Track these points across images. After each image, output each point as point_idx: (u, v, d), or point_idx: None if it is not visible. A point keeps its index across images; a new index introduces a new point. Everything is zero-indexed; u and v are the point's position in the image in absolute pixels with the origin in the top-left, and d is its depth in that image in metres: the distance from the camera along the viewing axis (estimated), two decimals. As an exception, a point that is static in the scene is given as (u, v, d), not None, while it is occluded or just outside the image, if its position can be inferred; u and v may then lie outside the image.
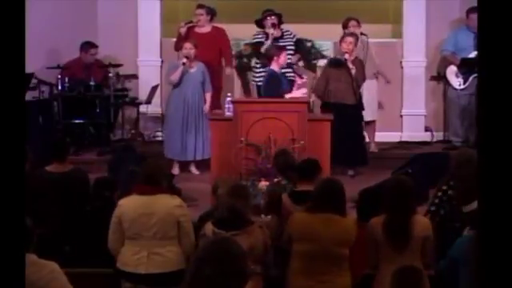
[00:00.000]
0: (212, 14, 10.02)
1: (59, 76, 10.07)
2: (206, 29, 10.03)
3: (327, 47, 10.67)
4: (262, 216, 6.88)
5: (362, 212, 5.92)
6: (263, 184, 7.44)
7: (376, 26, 10.77)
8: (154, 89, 10.53)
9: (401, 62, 10.91)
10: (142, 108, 10.60)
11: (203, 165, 9.25)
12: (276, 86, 8.48)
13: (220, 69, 10.07)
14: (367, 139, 10.05)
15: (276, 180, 7.09)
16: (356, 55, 9.39)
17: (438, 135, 10.86)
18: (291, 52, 9.74)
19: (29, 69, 8.79)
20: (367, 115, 9.82)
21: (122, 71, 10.64)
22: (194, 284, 3.15)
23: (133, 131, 10.77)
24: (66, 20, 10.70)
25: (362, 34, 9.81)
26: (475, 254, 4.25)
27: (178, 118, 9.32)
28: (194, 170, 9.52)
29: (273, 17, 9.88)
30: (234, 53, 10.54)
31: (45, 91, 10.20)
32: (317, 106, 9.55)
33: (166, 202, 5.76)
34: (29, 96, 9.85)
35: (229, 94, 8.79)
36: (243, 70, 10.80)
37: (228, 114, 8.24)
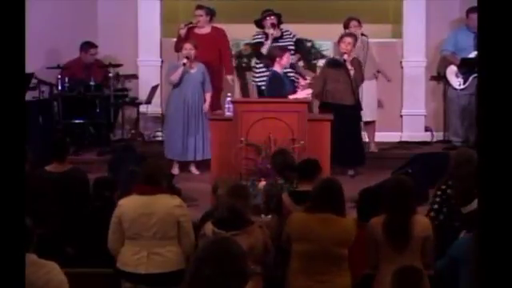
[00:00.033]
0: (211, 14, 10.02)
1: (59, 76, 10.07)
2: (206, 29, 10.03)
3: (327, 47, 10.69)
4: (262, 216, 6.88)
5: (362, 212, 5.93)
6: (263, 184, 7.44)
7: (376, 25, 10.76)
8: (154, 89, 10.53)
9: (401, 62, 10.91)
10: (142, 108, 10.60)
11: (203, 165, 9.25)
12: (279, 87, 8.47)
13: (220, 69, 10.07)
14: (367, 139, 10.05)
15: (274, 180, 7.09)
16: (356, 55, 9.39)
17: (438, 135, 10.86)
18: (291, 52, 9.73)
19: (29, 69, 8.79)
20: (367, 115, 9.82)
21: (122, 71, 10.64)
22: (193, 284, 3.15)
23: (133, 131, 10.77)
24: (66, 20, 10.70)
25: (362, 34, 9.81)
26: (475, 254, 4.24)
27: (178, 119, 9.32)
28: (194, 170, 9.52)
29: (272, 17, 9.88)
30: (233, 53, 10.56)
31: (45, 91, 10.20)
32: (315, 106, 9.56)
33: (165, 202, 5.76)
34: (29, 96, 9.84)
35: (229, 94, 8.79)
36: (242, 71, 10.82)
37: (228, 114, 8.24)
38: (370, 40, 9.98)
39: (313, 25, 10.75)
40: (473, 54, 9.85)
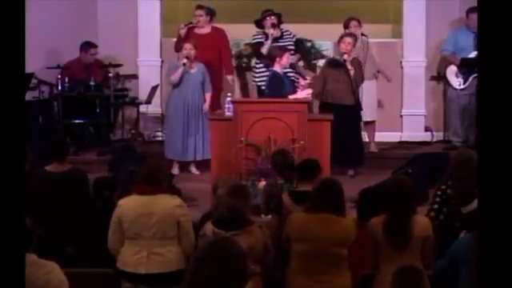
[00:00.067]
0: (211, 14, 10.02)
1: (59, 76, 10.07)
2: (206, 29, 10.03)
3: (327, 47, 10.69)
4: (262, 216, 6.88)
5: (362, 212, 5.92)
6: (263, 184, 7.44)
7: (376, 25, 10.76)
8: (154, 89, 10.53)
9: (401, 62, 10.91)
10: (142, 108, 10.60)
11: (203, 165, 9.25)
12: (279, 87, 8.47)
13: (220, 69, 10.07)
14: (367, 139, 10.05)
15: (274, 180, 7.09)
16: (356, 55, 9.38)
17: (438, 135, 10.86)
18: (291, 52, 9.73)
19: (29, 69, 8.79)
20: (367, 115, 9.82)
21: (122, 71, 10.64)
22: (193, 284, 3.15)
23: (133, 131, 10.77)
24: (66, 20, 10.70)
25: (362, 34, 9.81)
26: (475, 254, 4.24)
27: (179, 119, 9.33)
28: (194, 170, 9.52)
29: (272, 17, 9.88)
30: (233, 53, 10.56)
31: (45, 91, 10.20)
32: (315, 107, 9.56)
33: (165, 202, 5.76)
34: (29, 96, 9.84)
35: (229, 94, 8.79)
36: (242, 71, 10.82)
37: (228, 113, 8.23)
38: (370, 40, 9.98)
39: (313, 25, 10.75)
40: (473, 54, 9.85)
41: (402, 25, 10.99)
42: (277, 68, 8.60)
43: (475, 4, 5.16)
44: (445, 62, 10.47)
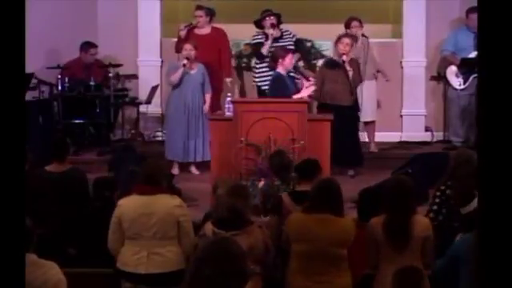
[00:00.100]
0: (211, 14, 10.02)
1: (59, 76, 10.08)
2: (206, 30, 10.03)
3: (327, 47, 10.68)
4: (262, 216, 6.88)
5: (362, 212, 5.93)
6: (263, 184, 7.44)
7: (376, 25, 10.76)
8: (154, 89, 10.53)
9: (401, 62, 10.91)
10: (142, 108, 10.61)
11: (203, 165, 9.25)
12: (282, 88, 8.46)
13: (220, 70, 10.06)
14: (367, 139, 10.05)
15: (271, 180, 7.09)
16: (356, 56, 9.37)
17: (438, 135, 10.86)
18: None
19: (29, 69, 8.79)
20: (367, 115, 9.82)
21: (122, 71, 10.64)
22: (193, 284, 3.15)
23: (133, 131, 10.77)
24: (66, 20, 10.70)
25: (363, 35, 9.80)
26: (475, 254, 4.24)
27: (179, 120, 9.32)
28: (194, 170, 9.52)
29: (272, 17, 9.88)
30: (233, 53, 10.56)
31: (45, 91, 10.20)
32: (314, 107, 9.55)
33: (165, 202, 5.76)
34: (29, 96, 9.85)
35: (229, 94, 8.79)
36: (242, 71, 10.81)
37: (228, 114, 8.23)
38: (370, 40, 9.97)
39: (313, 25, 10.75)
40: (473, 54, 9.85)
41: (402, 25, 10.99)
42: (280, 69, 8.60)
43: (475, 4, 5.16)
44: (445, 62, 10.47)
